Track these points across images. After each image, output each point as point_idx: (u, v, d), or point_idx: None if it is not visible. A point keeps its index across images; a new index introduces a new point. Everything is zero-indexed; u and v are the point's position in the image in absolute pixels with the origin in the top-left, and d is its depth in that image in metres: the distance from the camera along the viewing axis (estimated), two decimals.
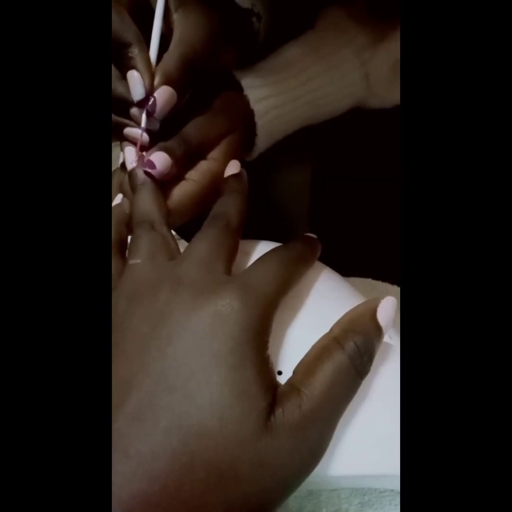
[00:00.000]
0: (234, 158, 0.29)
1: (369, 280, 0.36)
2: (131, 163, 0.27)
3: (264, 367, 0.18)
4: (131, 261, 0.22)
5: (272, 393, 0.17)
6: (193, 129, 0.28)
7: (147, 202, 0.25)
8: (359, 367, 0.18)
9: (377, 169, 0.41)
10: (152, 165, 0.26)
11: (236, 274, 0.21)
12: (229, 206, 0.24)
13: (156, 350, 0.18)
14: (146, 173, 0.26)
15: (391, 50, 0.35)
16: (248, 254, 0.26)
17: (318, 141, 0.43)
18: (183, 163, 0.27)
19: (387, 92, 0.36)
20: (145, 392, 0.17)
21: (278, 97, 0.33)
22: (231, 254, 0.22)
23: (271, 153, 0.35)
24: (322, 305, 0.23)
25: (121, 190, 0.28)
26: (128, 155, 0.27)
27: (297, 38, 0.35)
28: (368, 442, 0.20)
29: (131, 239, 0.23)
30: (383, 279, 0.36)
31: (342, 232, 0.39)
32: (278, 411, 0.17)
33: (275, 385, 0.18)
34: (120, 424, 0.17)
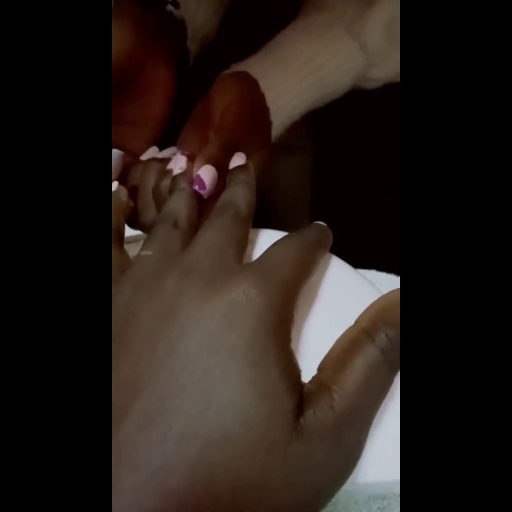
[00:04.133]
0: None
1: (373, 272, 0.35)
2: (179, 169, 0.26)
3: (288, 363, 0.16)
4: (142, 253, 0.20)
5: (299, 393, 0.15)
6: (232, 137, 0.27)
7: (180, 202, 0.23)
8: (392, 362, 0.16)
9: (380, 158, 0.40)
10: (202, 184, 0.24)
11: (248, 262, 0.19)
12: (237, 196, 0.22)
13: (165, 346, 0.16)
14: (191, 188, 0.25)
15: (380, 14, 0.35)
16: (254, 243, 0.24)
17: (318, 131, 0.42)
18: (224, 175, 0.26)
19: (386, 59, 0.36)
20: (154, 395, 0.15)
21: (286, 82, 0.32)
22: (242, 244, 0.20)
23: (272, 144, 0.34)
24: (338, 295, 0.22)
25: (131, 180, 0.27)
26: (180, 162, 0.26)
27: (287, 26, 0.35)
28: (393, 445, 0.18)
29: (149, 233, 0.22)
30: (388, 271, 0.34)
31: (345, 222, 0.37)
32: (309, 413, 0.15)
33: (301, 383, 0.16)
34: (126, 432, 0.14)
